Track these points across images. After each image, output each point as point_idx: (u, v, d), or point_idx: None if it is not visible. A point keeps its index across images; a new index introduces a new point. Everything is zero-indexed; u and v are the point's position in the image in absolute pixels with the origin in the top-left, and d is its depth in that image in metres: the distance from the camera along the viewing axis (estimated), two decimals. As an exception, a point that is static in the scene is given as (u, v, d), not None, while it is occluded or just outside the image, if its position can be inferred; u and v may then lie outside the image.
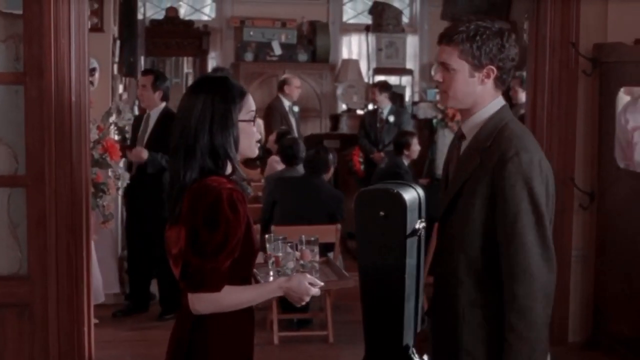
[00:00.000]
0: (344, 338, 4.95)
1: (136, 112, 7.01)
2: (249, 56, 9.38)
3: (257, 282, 2.49)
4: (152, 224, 5.42)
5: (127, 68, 7.13)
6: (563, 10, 4.30)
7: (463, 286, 2.33)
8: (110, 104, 5.60)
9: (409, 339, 2.93)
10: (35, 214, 3.57)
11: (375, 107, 8.11)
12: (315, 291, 2.33)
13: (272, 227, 4.92)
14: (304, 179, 5.44)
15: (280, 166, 5.94)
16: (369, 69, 9.85)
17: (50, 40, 3.51)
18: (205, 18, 10.09)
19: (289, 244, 2.63)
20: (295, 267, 2.58)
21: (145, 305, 5.64)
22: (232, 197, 2.15)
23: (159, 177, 5.40)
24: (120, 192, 5.41)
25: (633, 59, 4.23)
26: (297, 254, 2.76)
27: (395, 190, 2.64)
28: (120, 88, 7.30)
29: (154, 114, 5.52)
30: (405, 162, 6.87)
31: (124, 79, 7.47)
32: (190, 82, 9.97)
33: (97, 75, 6.06)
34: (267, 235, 2.93)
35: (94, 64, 5.98)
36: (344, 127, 9.33)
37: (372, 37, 9.78)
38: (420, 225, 2.71)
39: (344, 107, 9.79)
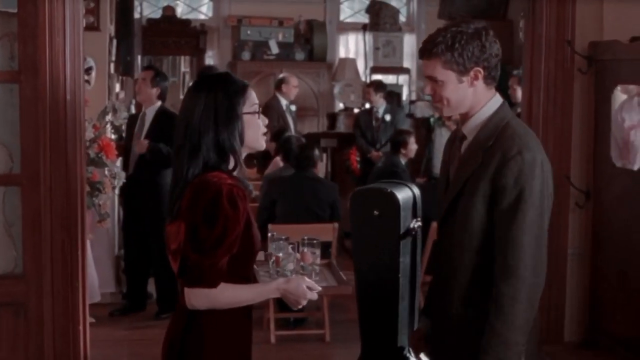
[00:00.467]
0: (340, 337, 4.95)
1: (132, 110, 7.01)
2: (246, 55, 9.38)
3: (256, 280, 2.49)
4: (149, 223, 5.42)
5: (124, 67, 7.12)
6: (559, 9, 4.30)
7: (460, 285, 2.33)
8: (106, 103, 5.59)
9: (404, 338, 2.93)
10: (30, 213, 3.57)
11: (370, 106, 8.10)
12: (313, 295, 2.32)
13: (270, 226, 4.92)
14: (297, 176, 5.46)
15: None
16: (366, 67, 9.84)
17: (45, 39, 3.51)
18: (203, 17, 10.08)
19: (291, 245, 2.63)
20: (295, 269, 2.58)
21: (142, 305, 5.64)
22: (232, 193, 2.15)
23: (155, 177, 5.40)
24: (117, 191, 5.41)
25: (628, 57, 4.23)
26: (298, 255, 2.76)
27: (389, 190, 2.64)
28: (117, 87, 7.29)
29: (149, 113, 5.52)
30: (403, 160, 6.87)
31: (120, 78, 7.47)
32: (187, 81, 9.98)
33: (93, 74, 6.05)
34: (269, 234, 2.93)
35: (91, 62, 5.98)
36: (341, 126, 9.32)
37: (369, 36, 9.77)
38: (415, 224, 2.71)
39: (341, 106, 9.78)
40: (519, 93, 6.00)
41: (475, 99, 2.31)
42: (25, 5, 3.49)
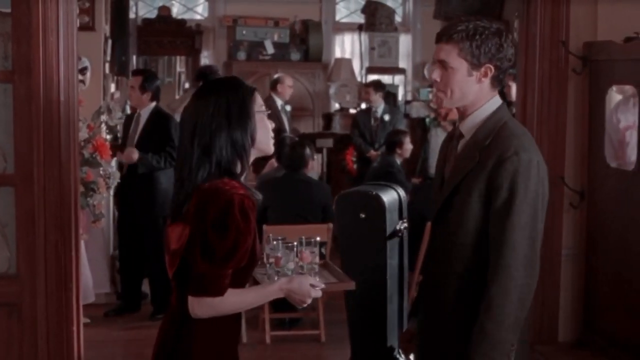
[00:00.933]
0: (335, 337, 4.95)
1: (128, 111, 7.00)
2: (241, 55, 9.37)
3: (255, 282, 2.47)
4: (143, 223, 5.42)
5: (119, 67, 7.12)
6: (553, 9, 4.30)
7: (453, 285, 2.33)
8: (101, 103, 5.59)
9: (393, 339, 2.94)
10: (24, 213, 3.56)
11: (369, 106, 8.10)
12: (317, 293, 2.31)
13: (264, 227, 4.91)
14: (288, 178, 5.39)
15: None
16: (361, 68, 9.84)
17: (38, 38, 3.50)
18: (198, 17, 10.07)
19: (288, 245, 2.63)
20: (296, 269, 2.57)
21: (137, 305, 5.63)
22: (243, 204, 2.12)
23: (149, 177, 5.40)
24: (112, 191, 5.40)
25: (623, 58, 4.23)
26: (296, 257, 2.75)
27: (374, 193, 2.65)
28: (112, 87, 7.29)
29: (144, 114, 5.53)
30: (398, 160, 6.88)
31: (115, 78, 7.46)
32: (183, 81, 9.97)
33: (88, 74, 6.04)
34: (266, 236, 2.92)
35: (86, 62, 5.97)
36: (337, 126, 9.32)
37: (364, 36, 9.77)
38: (401, 226, 2.72)
39: (336, 106, 9.79)
40: (514, 90, 6.00)
41: (478, 96, 2.31)
42: (19, 5, 3.48)
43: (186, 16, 9.92)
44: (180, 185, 2.24)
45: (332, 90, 9.62)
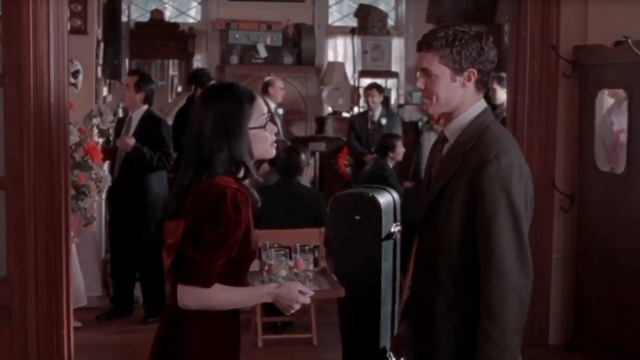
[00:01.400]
0: (328, 341, 4.95)
1: (120, 114, 6.99)
2: (234, 59, 9.36)
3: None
4: (135, 227, 5.41)
5: (111, 70, 7.12)
6: (543, 13, 4.32)
7: (440, 289, 2.33)
8: (93, 107, 5.58)
9: (385, 342, 2.94)
10: (14, 216, 3.56)
11: (365, 109, 8.10)
12: (306, 299, 2.33)
13: (256, 232, 4.90)
14: (281, 186, 5.35)
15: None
16: (354, 71, 9.84)
17: (29, 41, 3.51)
18: (191, 20, 10.06)
19: (282, 252, 2.64)
20: (288, 276, 2.58)
21: (129, 309, 5.62)
22: (236, 197, 2.17)
23: (141, 181, 5.39)
24: (104, 195, 5.40)
25: (612, 61, 4.24)
26: (291, 262, 2.76)
27: (370, 194, 2.65)
28: (105, 90, 7.28)
29: (135, 117, 5.52)
30: (390, 164, 6.88)
31: (108, 81, 7.45)
32: (175, 84, 9.96)
33: (80, 77, 6.04)
34: (261, 243, 2.93)
35: (78, 66, 5.97)
36: (330, 129, 9.32)
37: (357, 40, 9.77)
38: (395, 228, 2.72)
39: (329, 109, 9.78)
40: (499, 93, 6.02)
41: (463, 100, 2.32)
42: (9, 8, 3.48)
43: (179, 20, 9.90)
44: (181, 188, 2.28)
45: (324, 94, 9.62)
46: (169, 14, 9.94)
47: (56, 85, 3.61)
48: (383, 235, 2.66)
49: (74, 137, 4.64)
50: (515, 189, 2.22)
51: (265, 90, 7.85)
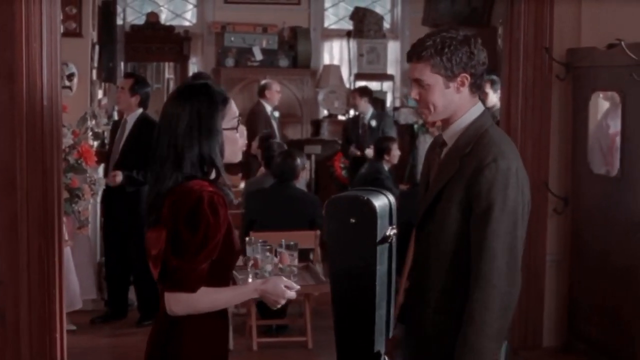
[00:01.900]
0: (323, 344, 4.94)
1: (115, 117, 6.99)
2: (230, 62, 9.37)
3: (235, 284, 2.50)
4: (129, 230, 5.40)
5: (106, 73, 7.13)
6: (537, 15, 4.32)
7: (435, 292, 2.34)
8: (87, 110, 5.57)
9: (380, 345, 2.93)
10: (7, 219, 3.55)
11: (357, 112, 8.12)
12: (291, 294, 2.35)
13: (251, 234, 4.91)
14: (276, 190, 5.35)
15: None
16: (350, 74, 9.86)
17: (21, 44, 3.49)
18: (187, 23, 10.07)
19: (268, 247, 2.66)
20: (274, 271, 2.60)
21: (123, 312, 5.62)
22: (212, 200, 2.17)
23: (135, 183, 5.38)
24: (98, 198, 5.39)
25: (606, 64, 4.24)
26: (276, 259, 2.77)
27: (365, 197, 2.64)
28: (100, 93, 7.28)
29: (130, 120, 5.51)
30: (386, 167, 6.89)
31: (103, 84, 7.45)
32: (171, 87, 9.95)
33: (75, 80, 6.04)
34: (247, 238, 2.94)
35: (73, 69, 5.97)
36: (325, 132, 9.33)
37: (353, 43, 9.79)
38: (391, 232, 2.71)
39: (325, 112, 9.79)
40: (490, 97, 6.02)
41: (459, 105, 2.32)
42: (1, 11, 3.47)
43: (175, 22, 9.91)
44: (155, 191, 2.28)
45: (320, 97, 9.63)
46: (164, 17, 9.95)
47: (49, 88, 3.60)
48: (378, 238, 2.65)
49: (68, 140, 4.63)
50: (512, 193, 2.22)
51: (261, 93, 7.87)
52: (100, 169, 5.78)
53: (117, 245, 5.54)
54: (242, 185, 6.65)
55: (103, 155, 5.60)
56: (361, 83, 9.40)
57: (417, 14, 9.24)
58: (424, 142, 7.45)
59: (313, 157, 8.10)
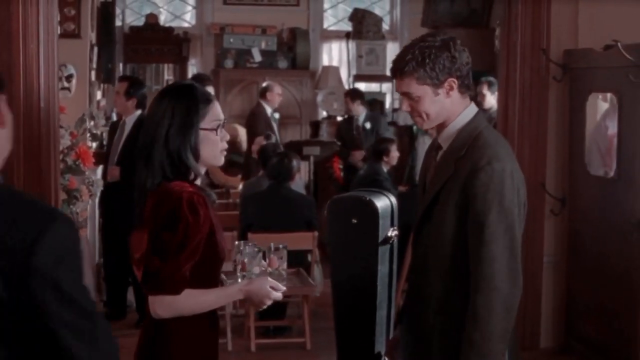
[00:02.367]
0: (321, 345, 4.94)
1: (114, 118, 7.00)
2: (229, 63, 9.36)
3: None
4: (128, 231, 5.37)
5: (105, 75, 7.13)
6: (534, 17, 4.33)
7: (433, 294, 2.33)
8: (85, 111, 5.58)
9: (381, 346, 2.93)
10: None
11: (350, 114, 8.12)
12: (277, 295, 2.32)
13: (249, 235, 4.91)
14: (272, 192, 5.35)
15: None
16: (349, 75, 9.85)
17: (19, 45, 3.51)
18: (186, 25, 10.07)
19: (256, 250, 2.64)
20: (261, 273, 2.58)
21: (122, 313, 5.62)
22: (192, 200, 2.15)
23: (133, 184, 5.38)
24: (97, 199, 5.39)
25: (602, 65, 4.25)
26: (264, 262, 2.76)
27: (368, 198, 2.65)
28: (98, 95, 7.28)
29: (129, 122, 5.51)
30: (385, 168, 6.88)
31: (102, 85, 7.45)
32: (171, 89, 9.95)
33: (74, 81, 6.04)
34: (236, 242, 2.93)
35: (71, 70, 5.97)
36: (324, 134, 9.32)
37: (352, 44, 9.79)
38: (392, 232, 2.72)
39: (324, 114, 9.78)
40: (488, 98, 6.02)
41: (452, 109, 2.32)
42: (-1, 12, 3.49)
43: (174, 24, 9.91)
44: (138, 191, 2.27)
45: (319, 98, 9.62)
46: (163, 18, 9.95)
47: (46, 89, 3.61)
48: (380, 239, 2.65)
49: (66, 141, 4.64)
50: (508, 195, 2.22)
51: (262, 94, 7.88)
52: (99, 170, 5.77)
53: (116, 246, 5.54)
54: (241, 186, 6.65)
55: (101, 156, 5.60)
56: (360, 84, 9.39)
57: (417, 15, 9.23)
58: (423, 144, 7.45)
59: (312, 159, 8.10)
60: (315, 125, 9.52)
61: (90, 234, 5.56)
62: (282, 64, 9.48)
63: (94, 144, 5.84)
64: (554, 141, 4.50)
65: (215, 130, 2.26)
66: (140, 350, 2.30)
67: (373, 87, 9.73)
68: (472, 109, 2.36)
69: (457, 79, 2.30)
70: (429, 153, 2.48)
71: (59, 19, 3.72)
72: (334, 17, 10.45)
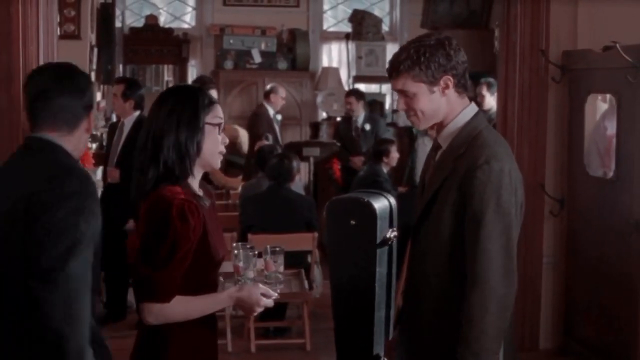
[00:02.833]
0: (321, 345, 4.94)
1: (114, 119, 7.01)
2: (228, 64, 9.37)
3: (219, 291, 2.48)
4: (128, 232, 5.40)
5: (105, 76, 7.14)
6: (533, 18, 4.33)
7: (429, 293, 2.34)
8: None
9: (379, 347, 2.94)
10: (4, 222, 3.55)
11: (349, 115, 8.11)
12: (268, 302, 2.31)
13: (249, 236, 4.92)
14: (272, 193, 5.35)
15: None
16: (349, 77, 9.86)
17: (18, 47, 3.51)
18: (186, 26, 10.08)
19: (252, 253, 2.63)
20: (257, 278, 2.57)
21: (122, 314, 5.62)
22: (182, 208, 2.14)
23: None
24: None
25: (601, 66, 4.26)
26: (260, 265, 2.75)
27: (366, 199, 2.65)
28: (98, 96, 7.30)
29: (127, 123, 5.51)
30: (385, 169, 6.88)
31: (101, 86, 7.47)
32: (170, 90, 9.96)
33: (74, 83, 6.03)
34: (234, 244, 2.93)
35: (71, 71, 5.96)
36: (324, 135, 9.32)
37: (352, 45, 9.79)
38: (391, 234, 2.72)
39: (324, 115, 9.79)
40: (487, 99, 6.02)
41: (449, 108, 2.33)
42: (-2, 14, 3.49)
43: (173, 25, 9.92)
44: (136, 190, 2.26)
45: (319, 99, 9.63)
46: (163, 19, 9.96)
47: (46, 91, 3.60)
48: (378, 240, 2.66)
49: (66, 143, 4.63)
50: (505, 195, 2.22)
51: (267, 96, 7.90)
52: (99, 171, 5.78)
53: (116, 247, 5.54)
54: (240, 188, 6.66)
55: (101, 157, 5.60)
56: (360, 85, 9.39)
57: (416, 16, 9.24)
58: (423, 145, 7.45)
59: (312, 160, 8.10)
60: (315, 126, 9.53)
61: (90, 235, 5.55)
62: (282, 65, 9.49)
63: (94, 145, 5.85)
64: (553, 142, 4.50)
65: (218, 126, 2.28)
66: (137, 353, 2.30)
67: (373, 88, 9.74)
68: (472, 109, 2.36)
69: (453, 77, 2.31)
70: (429, 153, 2.48)
71: (58, 20, 3.73)
72: (334, 18, 10.46)
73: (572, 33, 4.45)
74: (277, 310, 5.12)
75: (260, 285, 2.34)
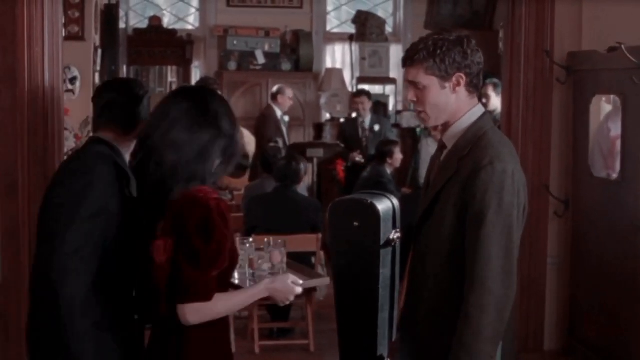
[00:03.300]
0: (325, 346, 4.96)
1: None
2: (232, 65, 9.38)
3: (233, 286, 2.50)
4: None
5: (109, 77, 7.13)
6: (537, 19, 4.33)
7: (431, 294, 2.34)
8: (89, 113, 5.59)
9: (383, 349, 2.94)
10: (9, 224, 3.56)
11: (355, 116, 8.10)
12: (298, 290, 2.41)
13: (253, 236, 4.91)
14: (278, 194, 5.36)
15: None
16: (352, 78, 9.87)
17: (23, 48, 3.51)
18: (189, 27, 10.09)
19: (258, 247, 2.68)
20: (269, 269, 2.62)
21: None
22: (220, 208, 2.18)
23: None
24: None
25: (606, 67, 4.25)
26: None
27: (369, 201, 2.65)
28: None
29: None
30: (388, 170, 6.88)
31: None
32: (174, 91, 9.96)
33: (78, 84, 6.05)
34: (237, 238, 2.95)
35: (75, 72, 5.98)
36: (328, 136, 9.32)
37: (355, 47, 9.80)
38: (394, 235, 2.72)
39: (327, 116, 9.80)
40: (493, 100, 6.02)
41: (457, 106, 2.33)
42: (4, 15, 3.49)
43: (177, 26, 9.94)
44: (155, 192, 2.26)
45: (322, 100, 9.63)
46: (167, 21, 9.97)
47: (51, 91, 3.61)
48: (381, 242, 2.66)
49: (70, 144, 4.65)
50: (507, 196, 2.22)
51: (274, 97, 7.92)
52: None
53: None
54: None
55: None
56: (363, 86, 9.39)
57: (420, 17, 9.25)
58: (427, 146, 7.45)
59: (315, 161, 8.11)
60: (319, 128, 9.53)
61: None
62: (286, 66, 9.50)
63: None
64: (557, 143, 4.50)
65: None
66: (152, 352, 2.30)
67: (376, 89, 9.73)
68: (479, 110, 2.37)
69: (466, 76, 2.31)
70: (435, 153, 2.49)
71: (63, 21, 3.72)
72: (337, 20, 10.46)
73: (577, 34, 4.44)
74: (281, 311, 5.12)
75: (290, 275, 2.43)
